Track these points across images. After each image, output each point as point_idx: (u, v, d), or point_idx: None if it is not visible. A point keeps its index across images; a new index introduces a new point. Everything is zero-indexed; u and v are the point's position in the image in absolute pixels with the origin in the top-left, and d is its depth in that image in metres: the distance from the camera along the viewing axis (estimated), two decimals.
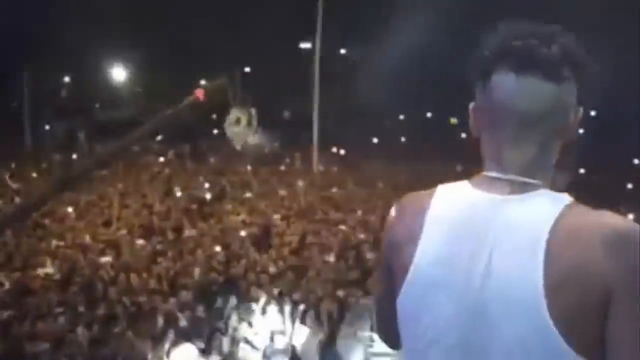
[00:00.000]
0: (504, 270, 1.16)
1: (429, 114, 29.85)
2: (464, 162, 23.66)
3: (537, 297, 1.12)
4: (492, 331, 1.17)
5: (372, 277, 8.40)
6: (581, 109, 1.25)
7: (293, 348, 7.03)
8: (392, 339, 1.38)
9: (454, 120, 29.99)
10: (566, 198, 1.20)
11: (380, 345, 6.54)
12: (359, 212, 14.09)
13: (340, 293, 8.03)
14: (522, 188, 1.22)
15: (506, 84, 1.21)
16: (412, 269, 1.25)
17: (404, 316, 1.29)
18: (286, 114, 29.47)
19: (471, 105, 1.29)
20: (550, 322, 1.12)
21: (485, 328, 1.17)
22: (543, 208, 1.18)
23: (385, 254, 1.34)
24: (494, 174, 1.24)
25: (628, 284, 1.10)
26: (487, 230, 1.19)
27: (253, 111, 10.51)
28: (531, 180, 1.22)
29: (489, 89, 1.23)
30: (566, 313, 1.11)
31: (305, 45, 24.46)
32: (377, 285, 1.49)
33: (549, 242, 1.13)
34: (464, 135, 29.53)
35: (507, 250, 1.17)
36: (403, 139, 29.49)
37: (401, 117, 30.78)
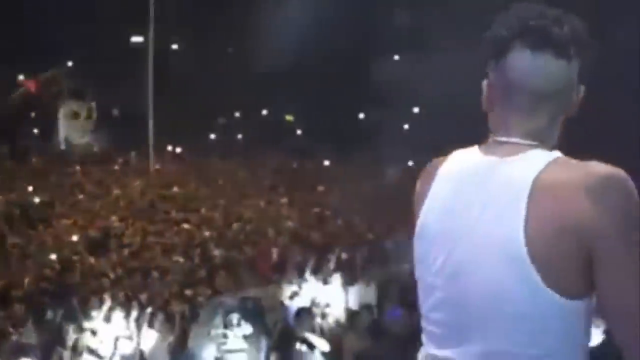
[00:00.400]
0: (491, 222, 1.24)
1: (264, 112, 30.12)
2: (300, 158, 24.18)
3: (518, 245, 1.18)
4: (477, 279, 1.23)
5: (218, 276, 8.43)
6: (583, 87, 1.34)
7: (141, 353, 6.79)
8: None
9: (289, 118, 30.50)
10: (556, 153, 1.26)
11: (233, 341, 6.49)
12: (202, 210, 13.90)
13: (188, 292, 7.89)
14: (522, 149, 1.29)
15: (522, 61, 1.28)
16: (419, 222, 1.37)
17: (416, 262, 1.39)
18: (117, 111, 28.15)
19: (485, 81, 1.36)
20: (532, 268, 1.16)
21: (471, 275, 1.24)
22: (532, 163, 1.24)
23: (414, 211, 1.42)
24: (503, 139, 1.32)
25: (618, 230, 1.14)
26: (483, 187, 1.28)
27: (93, 104, 9.93)
28: (531, 142, 1.29)
29: (504, 65, 1.30)
30: (549, 260, 1.16)
31: (137, 39, 23.46)
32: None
33: (531, 193, 1.19)
34: (299, 131, 30.12)
35: (496, 203, 1.25)
36: (240, 136, 29.45)
37: (237, 114, 30.74)
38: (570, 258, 1.16)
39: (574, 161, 1.24)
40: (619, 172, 1.17)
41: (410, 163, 18.04)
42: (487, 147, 1.35)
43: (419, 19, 21.32)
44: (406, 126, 25.18)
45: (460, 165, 1.36)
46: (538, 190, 1.20)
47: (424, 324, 1.35)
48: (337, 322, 7.70)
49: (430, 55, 15.54)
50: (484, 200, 1.26)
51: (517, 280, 1.18)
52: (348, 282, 8.29)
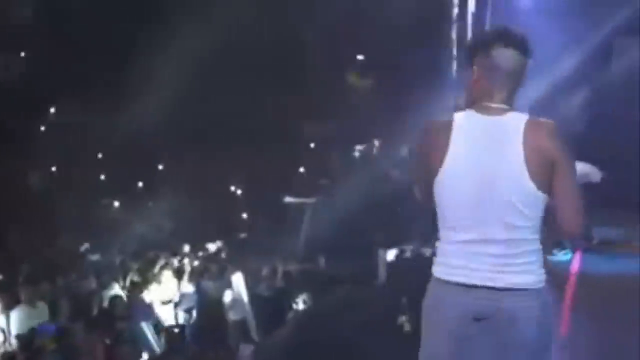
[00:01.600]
0: (503, 156, 2.12)
1: None
2: None
3: (521, 165, 2.10)
4: (499, 186, 2.12)
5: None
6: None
7: None
8: (427, 200, 2.23)
9: None
10: (526, 114, 2.16)
11: None
12: None
13: None
14: (505, 111, 2.17)
15: (501, 53, 2.16)
16: (448, 159, 2.15)
17: (443, 187, 2.16)
18: None
19: (473, 67, 2.19)
20: (530, 176, 2.10)
21: (496, 186, 2.12)
22: (517, 119, 2.15)
23: (424, 152, 2.22)
24: (488, 104, 2.18)
25: (564, 155, 2.12)
26: (491, 137, 2.15)
27: None
28: (508, 107, 2.18)
29: (490, 56, 2.16)
30: (536, 173, 2.10)
31: None
32: (418, 171, 2.33)
33: (524, 136, 2.11)
34: None
35: (504, 146, 2.13)
36: None
37: None
38: (545, 171, 2.11)
39: (535, 117, 2.16)
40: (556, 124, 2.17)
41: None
42: (480, 109, 2.18)
43: None
44: None
45: (469, 122, 2.18)
46: (526, 134, 2.11)
47: (449, 229, 2.18)
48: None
49: None
50: (500, 142, 2.13)
51: (523, 183, 2.11)
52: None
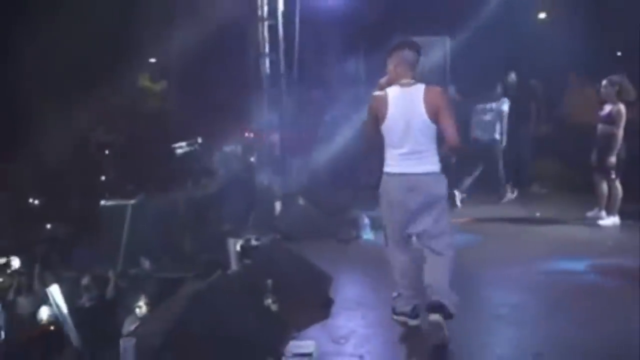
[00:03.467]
0: (415, 108, 4.26)
1: None
2: None
3: (423, 112, 4.24)
4: (413, 124, 4.27)
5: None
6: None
7: None
8: (373, 142, 4.50)
9: None
10: (423, 84, 4.33)
11: None
12: None
13: None
14: (414, 84, 4.34)
15: (405, 52, 4.38)
16: (389, 114, 4.34)
17: (387, 128, 4.35)
18: None
19: (392, 60, 4.41)
20: (427, 116, 4.24)
21: (416, 124, 4.28)
22: (420, 88, 4.30)
23: (374, 111, 4.43)
24: (403, 81, 4.35)
25: (444, 104, 4.27)
26: (409, 98, 4.31)
27: None
28: (413, 82, 4.35)
29: (400, 54, 4.39)
30: (430, 114, 4.25)
31: None
32: (368, 123, 4.53)
33: (424, 96, 4.26)
34: None
35: (414, 102, 4.27)
36: None
37: None
38: (435, 112, 4.23)
39: (428, 86, 4.33)
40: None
41: None
42: (400, 85, 4.34)
43: None
44: None
45: (396, 92, 4.32)
46: (424, 95, 4.25)
47: (394, 151, 4.34)
48: None
49: None
50: (411, 101, 4.27)
51: (426, 125, 4.25)
52: None
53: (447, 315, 4.19)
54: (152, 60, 18.24)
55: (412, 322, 4.52)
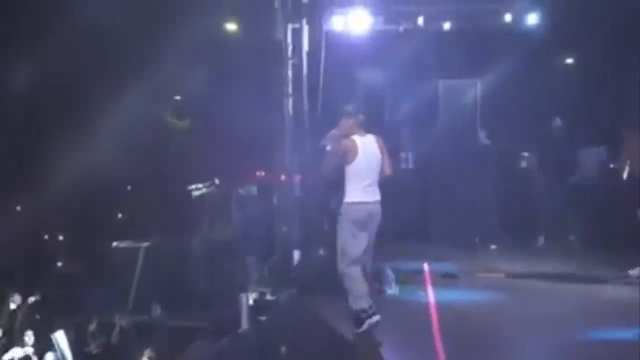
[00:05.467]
0: (374, 153, 5.40)
1: None
2: None
3: (379, 157, 5.42)
4: (375, 162, 5.40)
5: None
6: None
7: None
8: (337, 175, 5.40)
9: None
10: (372, 135, 5.50)
11: None
12: None
13: None
14: (365, 135, 5.44)
15: (360, 117, 5.58)
16: (358, 158, 5.31)
17: (354, 168, 5.33)
18: None
19: (347, 120, 5.55)
20: (380, 161, 5.41)
21: (375, 161, 5.40)
22: (373, 138, 5.47)
23: (347, 154, 5.32)
24: (364, 135, 5.44)
25: (384, 151, 5.48)
26: (370, 147, 5.41)
27: None
28: (365, 133, 5.44)
29: (354, 117, 5.55)
30: (380, 158, 5.43)
31: None
32: (332, 162, 5.42)
33: (376, 143, 5.46)
34: None
35: (373, 150, 5.42)
36: None
37: None
38: (382, 156, 5.44)
39: (375, 136, 5.49)
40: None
41: None
42: (363, 137, 5.38)
43: None
44: None
45: (363, 143, 5.35)
46: (377, 142, 5.44)
47: (360, 185, 5.31)
48: None
49: None
50: (371, 147, 5.39)
51: (379, 164, 5.40)
52: None
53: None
54: (177, 97, 18.09)
55: (375, 317, 5.20)
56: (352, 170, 5.24)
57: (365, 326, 5.14)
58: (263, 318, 5.44)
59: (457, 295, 6.59)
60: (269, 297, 5.69)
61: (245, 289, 5.88)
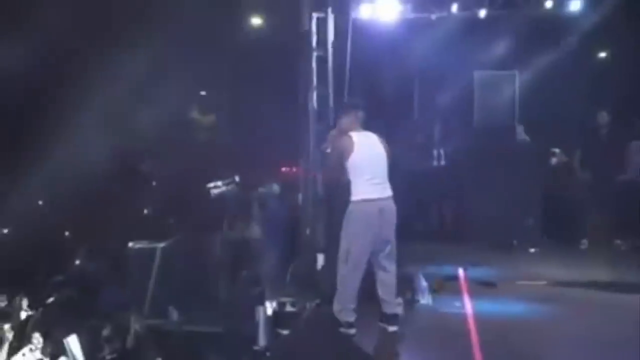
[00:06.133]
0: (376, 148, 5.12)
1: None
2: None
3: (385, 153, 5.13)
4: (380, 157, 5.12)
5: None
6: None
7: None
8: (340, 172, 5.07)
9: None
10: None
11: None
12: None
13: None
14: (366, 132, 5.21)
15: (358, 112, 5.26)
16: (355, 154, 5.00)
17: (354, 164, 5.00)
18: None
19: (345, 115, 5.31)
20: (386, 156, 5.14)
21: (379, 156, 5.11)
22: (373, 135, 5.21)
23: (343, 151, 5.03)
24: (360, 132, 5.16)
25: (387, 148, 5.20)
26: (370, 141, 5.14)
27: None
28: (365, 131, 5.20)
29: (354, 113, 5.26)
30: (388, 155, 5.16)
31: None
32: (332, 162, 5.18)
33: (381, 143, 5.19)
34: None
35: (374, 145, 5.13)
36: None
37: None
38: (388, 155, 5.17)
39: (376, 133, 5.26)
40: None
41: None
42: (361, 133, 5.14)
43: None
44: None
45: (361, 137, 5.08)
46: (381, 142, 5.16)
47: (365, 180, 5.00)
48: None
49: None
50: (374, 144, 5.13)
51: (385, 158, 5.12)
52: None
53: (398, 322, 5.15)
54: (203, 93, 17.63)
55: (352, 331, 4.94)
56: (353, 166, 4.97)
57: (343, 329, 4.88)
58: (284, 332, 4.85)
59: (496, 307, 5.90)
60: (289, 308, 5.08)
61: (262, 300, 5.29)
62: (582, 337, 5.13)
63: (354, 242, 4.91)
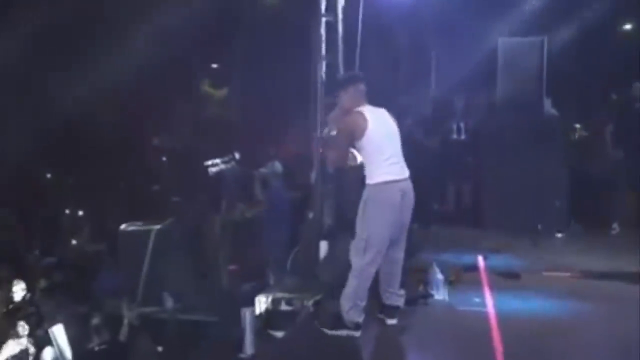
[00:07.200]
0: (390, 125, 4.57)
1: None
2: None
3: (397, 130, 4.60)
4: (394, 133, 4.56)
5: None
6: None
7: None
8: (345, 158, 4.57)
9: None
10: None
11: None
12: None
13: None
14: (376, 108, 4.58)
15: (360, 86, 4.60)
16: (369, 130, 4.40)
17: (369, 143, 4.41)
18: None
19: (345, 91, 4.63)
20: (398, 133, 4.60)
21: (393, 133, 4.56)
22: (384, 111, 4.62)
23: (355, 129, 4.41)
24: (365, 107, 4.52)
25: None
26: (383, 118, 4.55)
27: None
28: (373, 106, 4.57)
29: (355, 85, 4.61)
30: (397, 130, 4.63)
31: None
32: (342, 145, 4.52)
33: (392, 118, 4.63)
34: None
35: (387, 120, 4.57)
36: None
37: None
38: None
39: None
40: None
41: None
42: (368, 108, 4.51)
43: None
44: None
45: (372, 113, 4.47)
46: (389, 117, 4.59)
47: (383, 161, 4.42)
48: None
49: None
50: (386, 120, 4.56)
51: (398, 137, 4.57)
52: None
53: (397, 314, 4.69)
54: (214, 65, 16.90)
55: (358, 334, 4.39)
56: (368, 146, 4.41)
57: (341, 333, 4.33)
58: (277, 334, 4.17)
59: (522, 304, 5.14)
60: (284, 306, 4.39)
61: (252, 298, 4.58)
62: (624, 341, 4.37)
63: (374, 230, 4.33)
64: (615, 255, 6.69)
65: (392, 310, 4.65)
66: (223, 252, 7.27)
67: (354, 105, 4.51)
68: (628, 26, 9.98)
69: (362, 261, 4.33)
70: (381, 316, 4.68)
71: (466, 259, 6.45)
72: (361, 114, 4.43)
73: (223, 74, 16.81)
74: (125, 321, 7.11)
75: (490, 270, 6.10)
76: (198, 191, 9.23)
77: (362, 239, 4.34)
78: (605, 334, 4.52)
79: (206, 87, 17.11)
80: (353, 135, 4.41)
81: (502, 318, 4.78)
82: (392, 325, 4.65)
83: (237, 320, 4.88)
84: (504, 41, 7.88)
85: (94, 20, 11.92)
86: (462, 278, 5.75)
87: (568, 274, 5.97)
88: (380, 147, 4.41)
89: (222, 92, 16.72)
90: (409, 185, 4.49)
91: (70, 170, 13.54)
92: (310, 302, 4.67)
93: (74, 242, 10.37)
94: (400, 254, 4.59)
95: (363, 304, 4.40)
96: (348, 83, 4.64)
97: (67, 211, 11.98)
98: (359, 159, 4.53)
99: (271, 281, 6.06)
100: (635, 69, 8.21)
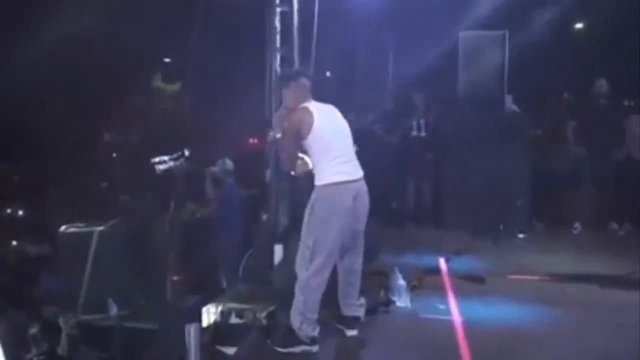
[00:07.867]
0: (339, 118, 4.25)
1: None
2: None
3: (347, 126, 4.26)
4: (344, 130, 4.22)
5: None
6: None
7: None
8: (295, 160, 4.17)
9: None
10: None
11: None
12: None
13: None
14: (319, 104, 4.22)
15: (305, 80, 4.25)
16: (315, 127, 4.02)
17: (315, 140, 4.04)
18: None
19: (288, 88, 4.25)
20: (348, 127, 4.28)
21: (343, 130, 4.22)
22: (329, 106, 4.26)
23: (301, 126, 4.03)
24: (309, 103, 4.14)
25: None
26: (331, 113, 4.22)
27: None
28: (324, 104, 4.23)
29: (297, 81, 4.23)
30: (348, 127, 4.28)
31: None
32: (289, 145, 4.12)
33: (336, 112, 4.32)
34: None
35: (336, 116, 4.25)
36: None
37: None
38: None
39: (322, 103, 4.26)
40: None
41: None
42: (315, 104, 4.15)
43: None
44: None
45: (319, 109, 4.10)
46: (338, 113, 4.27)
47: (332, 159, 4.04)
48: None
49: None
50: (335, 116, 4.23)
51: (349, 132, 4.24)
52: None
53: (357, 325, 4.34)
54: (167, 59, 16.29)
55: (315, 349, 4.04)
56: (315, 144, 4.03)
57: (296, 349, 3.97)
58: (229, 351, 3.74)
59: (489, 311, 4.84)
60: (234, 319, 3.96)
61: (198, 312, 4.14)
62: (587, 349, 4.10)
63: (321, 236, 3.94)
64: (578, 255, 6.48)
65: (351, 321, 4.33)
66: (170, 256, 6.78)
67: (298, 102, 4.15)
68: (580, 25, 9.89)
69: (307, 272, 3.97)
70: (340, 327, 4.34)
71: (428, 260, 6.14)
72: (306, 109, 4.07)
73: (176, 68, 16.26)
74: (64, 334, 6.55)
75: (454, 273, 5.80)
76: (146, 189, 8.70)
77: (307, 247, 3.96)
78: (576, 344, 4.24)
79: (158, 82, 16.53)
80: (300, 133, 4.04)
81: (469, 326, 4.46)
82: (353, 337, 4.30)
83: (182, 334, 4.45)
84: (465, 35, 7.60)
85: (38, 5, 11.32)
86: (424, 282, 5.41)
87: (534, 277, 5.70)
88: (329, 144, 4.05)
89: (174, 87, 16.19)
90: (362, 187, 4.11)
91: (11, 166, 12.77)
92: (263, 315, 4.24)
93: (14, 243, 9.66)
94: (357, 263, 4.25)
95: (315, 316, 4.05)
96: (289, 79, 4.29)
97: (7, 210, 11.20)
98: (311, 165, 4.13)
99: (223, 284, 5.61)
100: (590, 66, 8.07)
